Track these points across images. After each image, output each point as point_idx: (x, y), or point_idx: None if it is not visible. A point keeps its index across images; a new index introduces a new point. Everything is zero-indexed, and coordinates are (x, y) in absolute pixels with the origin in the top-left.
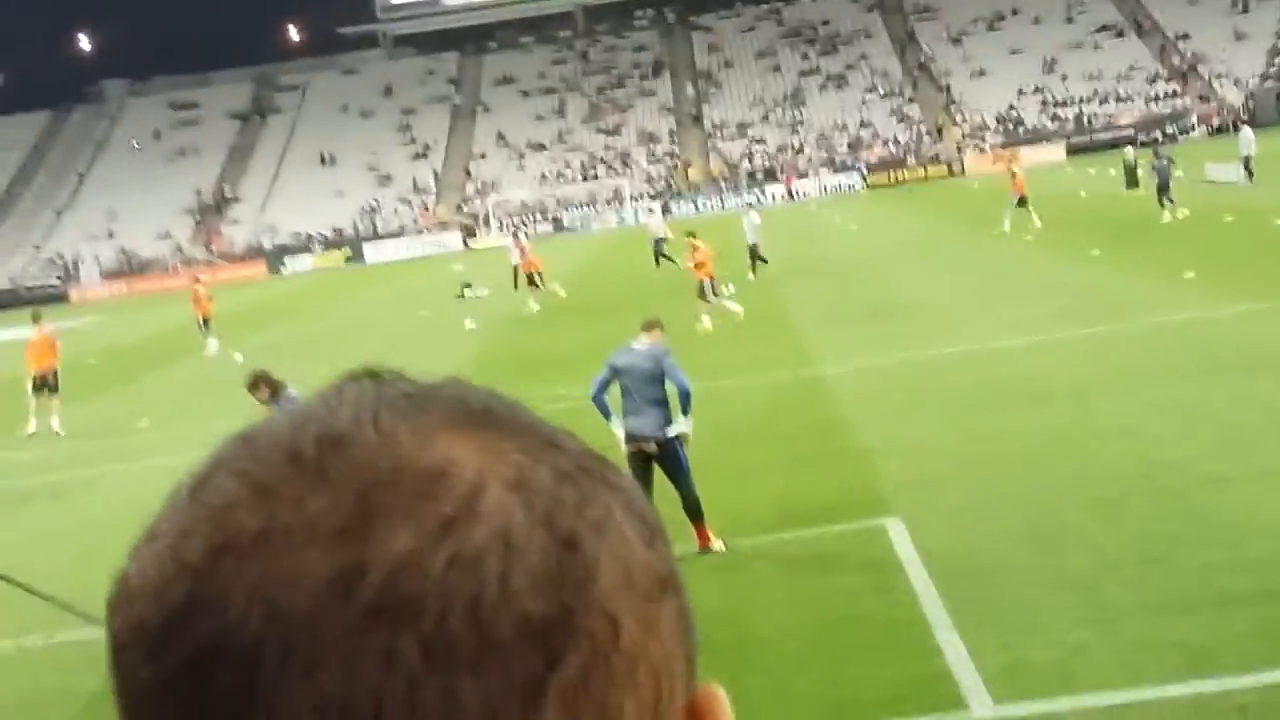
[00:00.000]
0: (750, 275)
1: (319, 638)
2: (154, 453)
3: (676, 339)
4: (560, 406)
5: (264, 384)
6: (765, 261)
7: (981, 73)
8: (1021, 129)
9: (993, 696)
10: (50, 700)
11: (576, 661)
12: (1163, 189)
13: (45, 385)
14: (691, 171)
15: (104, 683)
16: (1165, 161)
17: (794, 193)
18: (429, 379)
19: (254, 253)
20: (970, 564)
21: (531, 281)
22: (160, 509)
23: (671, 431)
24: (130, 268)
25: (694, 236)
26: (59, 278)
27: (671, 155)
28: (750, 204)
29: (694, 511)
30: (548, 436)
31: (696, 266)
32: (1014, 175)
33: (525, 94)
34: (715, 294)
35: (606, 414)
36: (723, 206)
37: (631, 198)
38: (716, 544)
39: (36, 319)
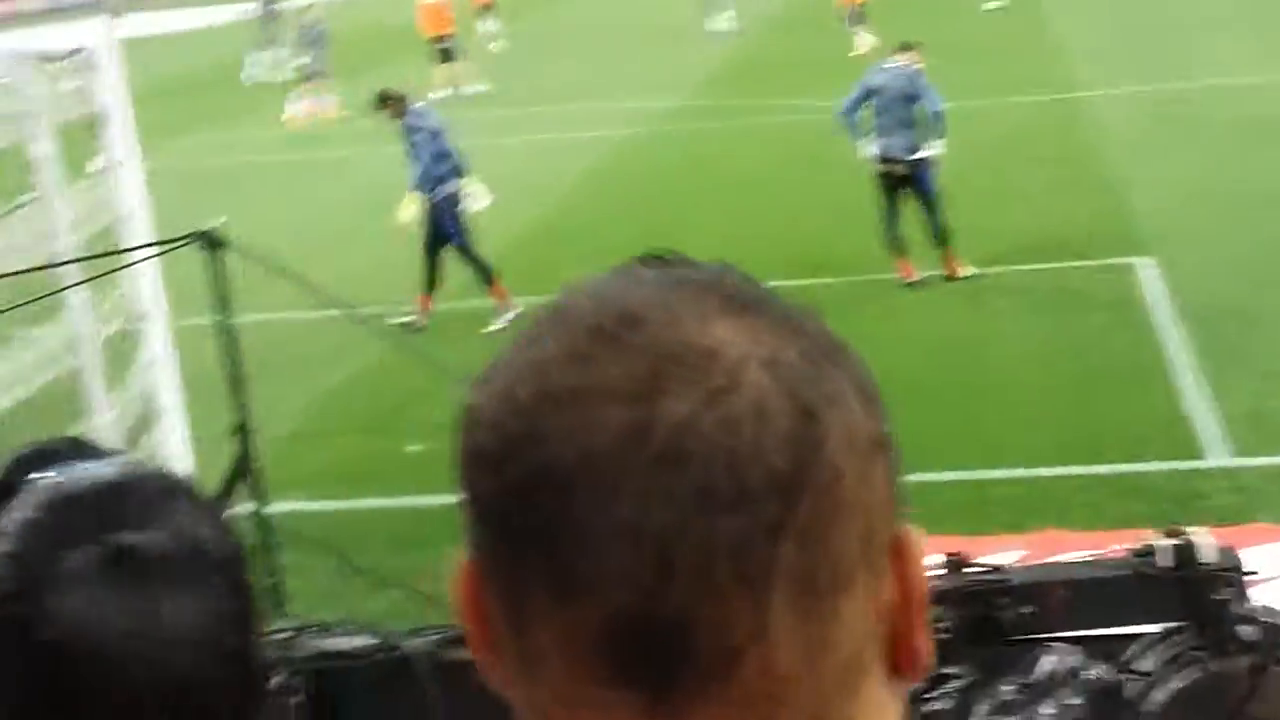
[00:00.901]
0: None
1: (617, 475)
2: None
3: (941, 52)
4: (803, 118)
5: (389, 102)
6: None
7: None
8: None
9: (1233, 446)
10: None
11: (808, 506)
12: None
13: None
14: None
15: None
16: None
17: None
18: (705, 265)
19: None
20: (1222, 308)
21: None
22: (496, 356)
23: (922, 153)
24: None
25: None
26: None
27: None
28: None
29: (941, 237)
30: (796, 322)
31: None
32: None
33: None
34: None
35: (855, 133)
36: None
37: None
38: (963, 270)
39: None
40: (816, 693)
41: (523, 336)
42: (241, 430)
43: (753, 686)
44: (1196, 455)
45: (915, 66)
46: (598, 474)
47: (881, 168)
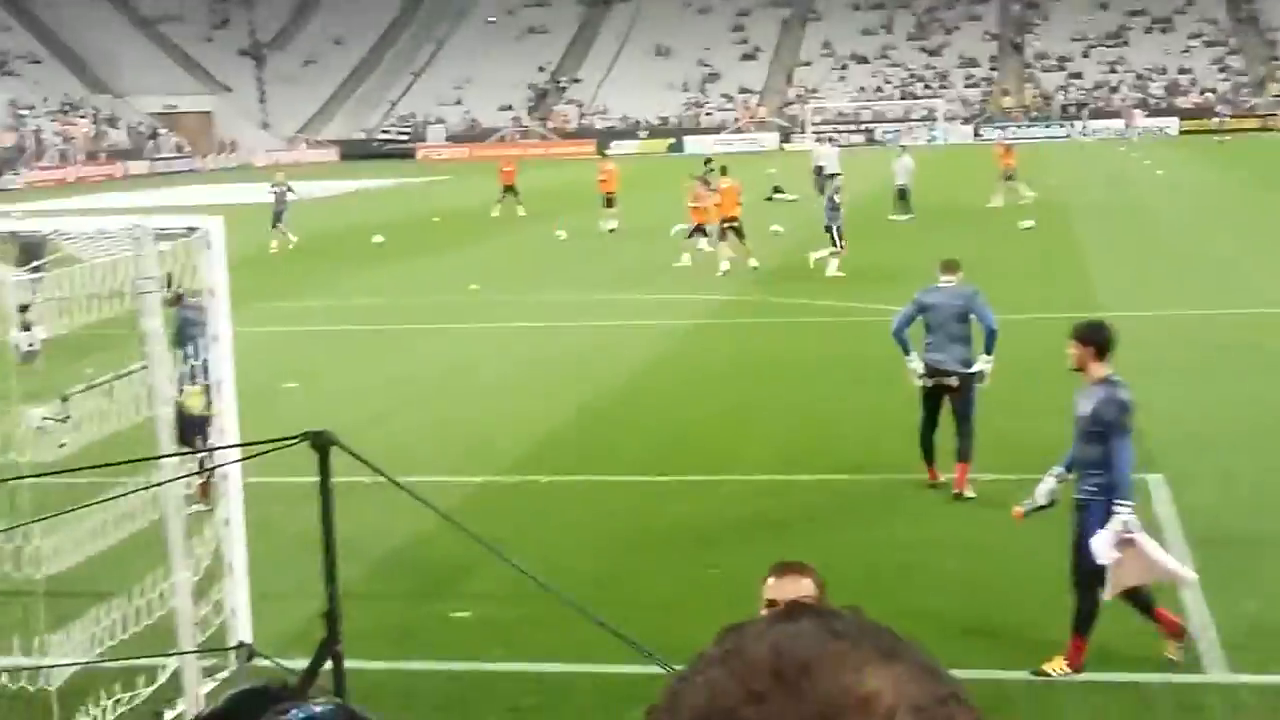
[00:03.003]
0: (891, 215)
1: None
2: (478, 318)
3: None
4: (848, 319)
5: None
6: (909, 211)
7: None
8: None
9: (1230, 662)
10: None
11: None
12: None
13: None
14: (1006, 100)
15: None
16: None
17: (1131, 127)
18: (851, 616)
19: (585, 132)
20: (1226, 530)
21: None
22: (682, 682)
23: (976, 367)
24: (473, 134)
25: (724, 173)
26: (408, 136)
27: (988, 81)
28: (904, 146)
29: (966, 453)
30: (930, 667)
31: (714, 207)
32: None
33: (856, 7)
34: (707, 236)
35: (906, 349)
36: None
37: (944, 118)
38: (968, 490)
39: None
40: None
41: (698, 672)
42: (329, 615)
43: None
44: (1196, 670)
45: (972, 287)
46: None
47: (928, 381)
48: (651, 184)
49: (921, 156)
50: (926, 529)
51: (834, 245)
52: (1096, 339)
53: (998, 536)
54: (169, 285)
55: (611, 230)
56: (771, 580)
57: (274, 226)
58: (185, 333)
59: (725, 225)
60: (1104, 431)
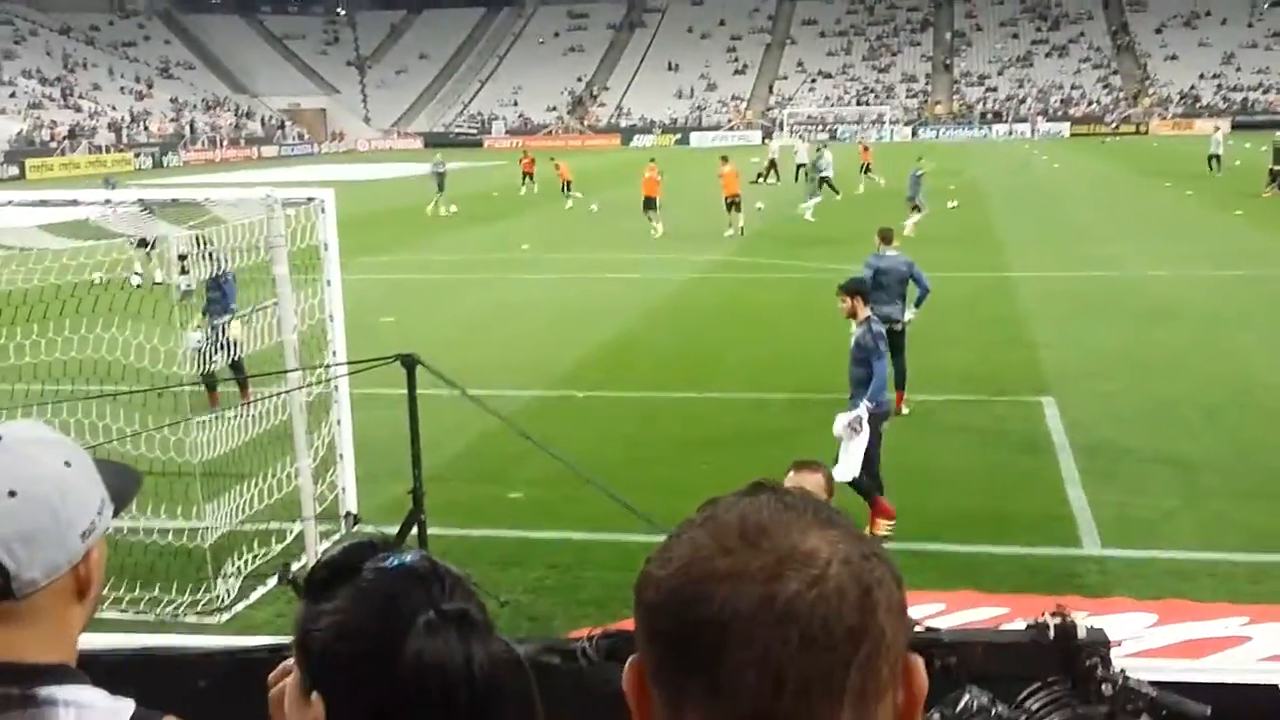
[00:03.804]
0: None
1: (752, 627)
2: (529, 270)
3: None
4: (815, 276)
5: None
6: (836, 191)
7: (1174, 57)
8: (1198, 104)
9: (1101, 539)
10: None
11: (867, 649)
12: None
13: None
14: (938, 108)
15: None
16: None
17: (1035, 130)
18: (796, 491)
19: (612, 128)
20: (1101, 439)
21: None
22: (667, 543)
23: (909, 316)
24: (525, 128)
25: (725, 161)
26: (476, 130)
27: (924, 93)
28: (825, 142)
29: (903, 380)
30: (857, 533)
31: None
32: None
33: (823, 34)
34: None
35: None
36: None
37: (890, 121)
38: (904, 409)
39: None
40: None
41: (684, 532)
42: (415, 492)
43: None
44: (1076, 544)
45: (908, 258)
46: (741, 625)
47: (883, 326)
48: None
49: (872, 150)
50: None
51: (917, 212)
52: (860, 289)
53: (921, 440)
54: (183, 258)
55: (729, 235)
56: (791, 473)
57: (439, 192)
58: (221, 285)
59: (729, 201)
60: (866, 356)
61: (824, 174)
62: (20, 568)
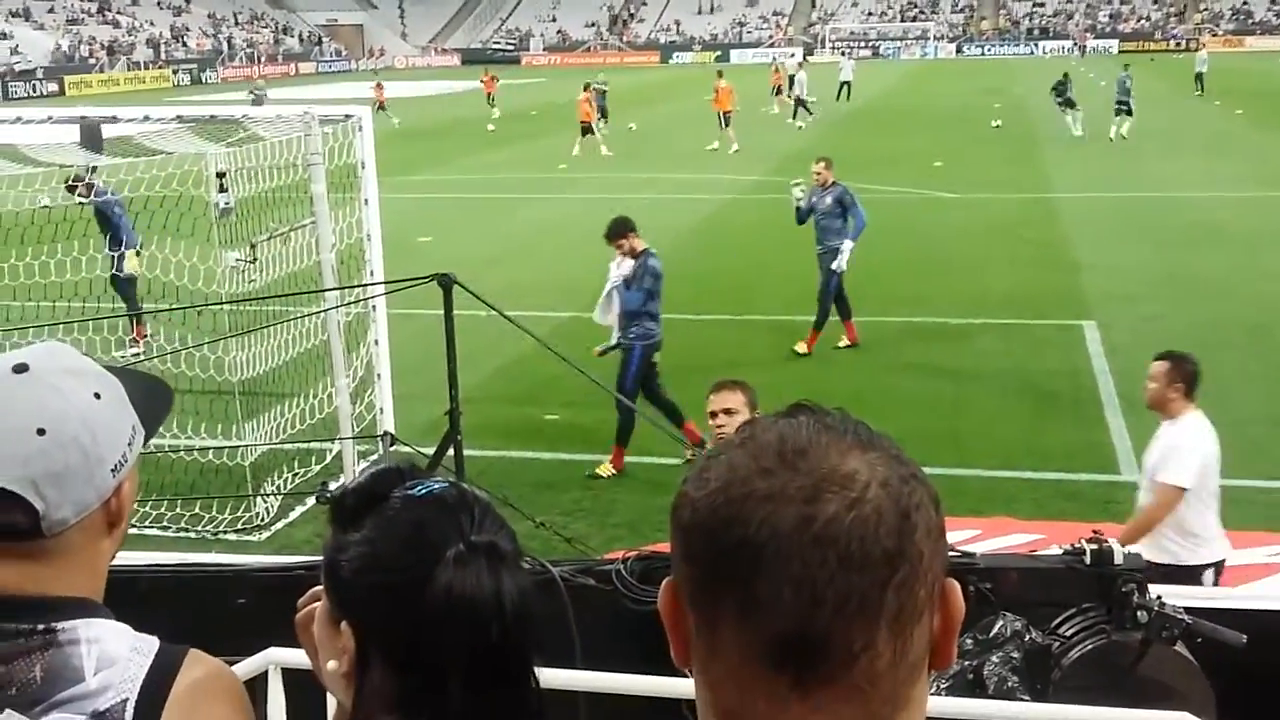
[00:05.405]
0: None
1: (791, 547)
2: (566, 190)
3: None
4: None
5: (78, 185)
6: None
7: None
8: (1250, 20)
9: (1137, 467)
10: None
11: (904, 571)
12: None
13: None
14: (984, 24)
15: None
16: None
17: (1085, 49)
18: (836, 413)
19: (651, 45)
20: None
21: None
22: (704, 462)
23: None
24: (563, 45)
25: (720, 76)
26: (514, 46)
27: (970, 8)
28: (801, 63)
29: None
30: (896, 454)
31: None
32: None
33: None
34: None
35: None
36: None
37: (935, 38)
38: (801, 347)
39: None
40: (896, 681)
41: (722, 453)
42: (452, 413)
43: (860, 677)
44: (1114, 470)
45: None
46: (779, 546)
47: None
48: (699, 90)
49: (913, 69)
50: (897, 354)
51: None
52: (625, 229)
53: (959, 364)
54: (76, 180)
55: (734, 151)
56: (711, 395)
57: (603, 120)
58: (110, 212)
59: (724, 116)
60: (649, 293)
61: (799, 95)
62: (50, 508)
